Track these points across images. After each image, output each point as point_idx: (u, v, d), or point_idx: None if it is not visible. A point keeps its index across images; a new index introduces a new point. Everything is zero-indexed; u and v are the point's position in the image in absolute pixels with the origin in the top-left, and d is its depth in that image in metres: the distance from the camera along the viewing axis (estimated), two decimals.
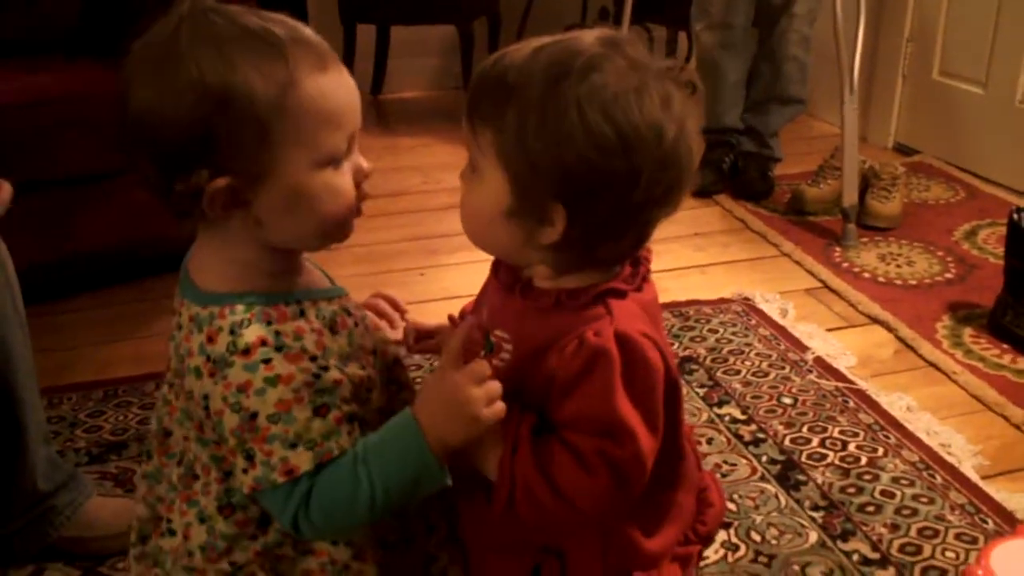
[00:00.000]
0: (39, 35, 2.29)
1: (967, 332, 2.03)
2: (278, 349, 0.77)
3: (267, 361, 0.76)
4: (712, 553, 1.39)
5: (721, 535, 1.42)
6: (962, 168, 2.97)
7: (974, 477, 1.57)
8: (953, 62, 2.99)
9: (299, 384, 0.77)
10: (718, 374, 1.86)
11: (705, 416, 1.73)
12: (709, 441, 1.65)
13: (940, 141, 3.07)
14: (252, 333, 0.77)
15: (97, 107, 1.99)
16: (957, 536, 1.43)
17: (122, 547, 1.36)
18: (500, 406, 0.78)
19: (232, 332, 0.77)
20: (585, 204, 0.77)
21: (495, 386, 0.78)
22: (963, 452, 1.64)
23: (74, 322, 2.06)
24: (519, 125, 0.75)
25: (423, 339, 0.99)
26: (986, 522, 1.46)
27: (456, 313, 1.00)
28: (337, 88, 0.79)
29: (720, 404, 1.76)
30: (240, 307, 0.79)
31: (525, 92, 0.75)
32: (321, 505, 0.77)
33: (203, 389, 0.78)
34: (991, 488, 1.54)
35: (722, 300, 2.14)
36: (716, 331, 2.02)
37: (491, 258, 0.89)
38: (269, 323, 0.78)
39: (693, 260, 2.37)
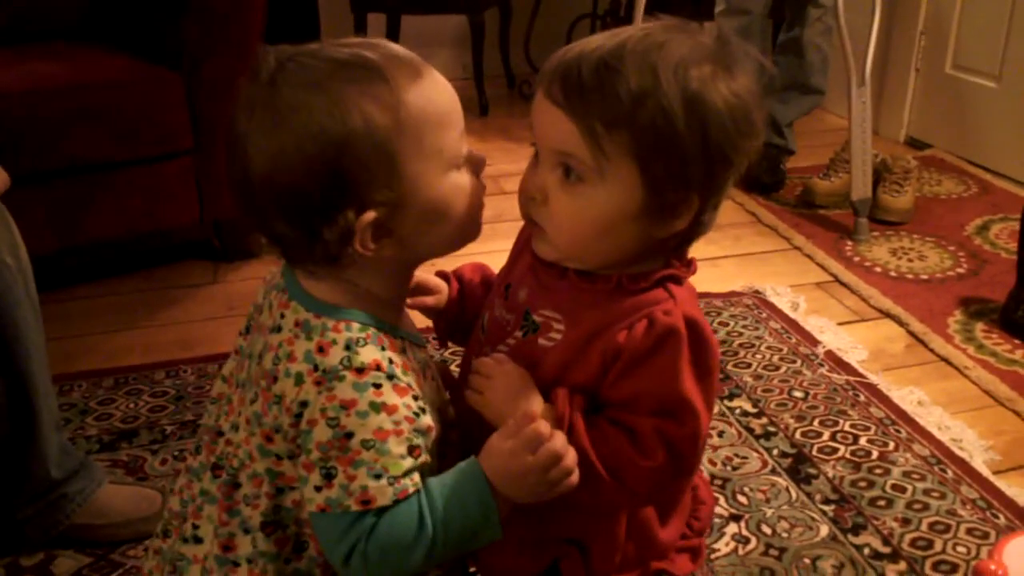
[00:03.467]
0: (44, 23, 2.30)
1: (979, 327, 2.02)
2: (390, 377, 0.76)
3: (378, 386, 0.75)
4: (723, 546, 1.39)
5: (732, 528, 1.42)
6: (975, 163, 2.95)
7: (985, 472, 1.56)
8: (967, 55, 2.98)
9: (401, 418, 0.76)
10: (729, 367, 1.86)
11: (716, 409, 1.72)
12: (720, 434, 1.65)
13: (953, 135, 3.05)
14: (369, 354, 0.76)
15: (104, 96, 2.00)
16: (969, 531, 1.43)
17: (133, 535, 1.37)
18: (564, 469, 0.76)
19: (348, 347, 0.76)
20: (714, 187, 0.79)
21: (553, 451, 0.75)
22: (974, 447, 1.63)
23: (82, 311, 2.06)
24: (665, 122, 0.74)
25: (419, 293, 0.96)
26: (997, 517, 1.45)
27: (449, 271, 0.99)
28: (438, 90, 0.79)
29: (731, 397, 1.76)
30: (356, 325, 0.78)
31: (660, 90, 0.74)
32: (381, 543, 0.76)
33: (303, 396, 0.76)
34: (1003, 483, 1.53)
35: (733, 293, 2.14)
36: (727, 324, 2.02)
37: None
38: (383, 348, 0.78)
39: (704, 253, 2.35)
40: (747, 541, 1.40)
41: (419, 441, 0.77)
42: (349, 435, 0.75)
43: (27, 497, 1.33)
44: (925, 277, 2.25)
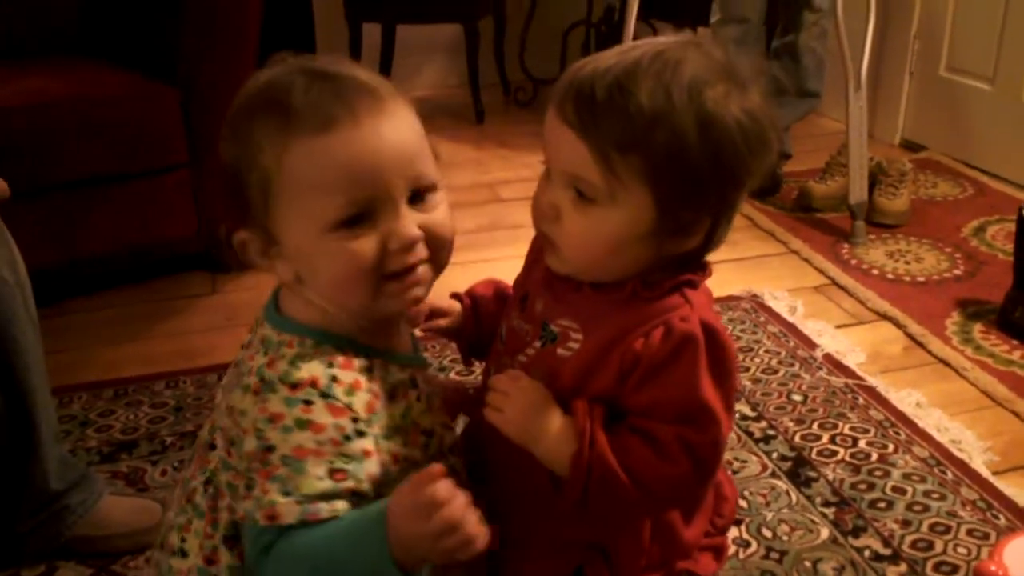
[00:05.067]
0: (41, 38, 2.30)
1: (977, 328, 2.02)
2: (324, 396, 0.75)
3: (308, 403, 0.75)
4: None
5: (732, 532, 1.42)
6: (970, 164, 2.96)
7: (985, 473, 1.57)
8: (960, 58, 2.99)
9: (326, 439, 0.75)
10: None
11: None
12: None
13: (948, 137, 3.06)
14: (307, 370, 0.76)
15: (101, 110, 2.01)
16: (969, 532, 1.43)
17: (134, 546, 1.37)
18: (461, 539, 0.70)
19: (291, 362, 0.77)
20: (727, 206, 0.79)
21: (449, 520, 0.70)
22: (974, 448, 1.63)
23: (81, 323, 2.06)
24: (678, 146, 0.74)
25: (433, 317, 0.97)
26: (998, 518, 1.45)
27: (462, 291, 0.99)
28: (337, 150, 0.75)
29: None
30: (310, 342, 0.79)
31: (673, 113, 0.74)
32: (276, 564, 0.75)
33: (243, 405, 0.77)
34: (1002, 484, 1.54)
35: (731, 297, 2.14)
36: (725, 328, 2.02)
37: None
38: (330, 365, 0.77)
39: None
40: (748, 545, 1.40)
41: (345, 465, 0.75)
42: (271, 448, 0.74)
43: (28, 509, 1.33)
44: (922, 279, 2.26)
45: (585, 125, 0.75)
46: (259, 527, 0.75)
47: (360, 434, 0.76)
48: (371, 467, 0.77)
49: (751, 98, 0.77)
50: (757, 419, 1.70)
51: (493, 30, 3.59)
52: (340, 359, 0.78)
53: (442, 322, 0.97)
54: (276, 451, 0.74)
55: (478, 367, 1.06)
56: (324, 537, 0.73)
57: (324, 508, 0.74)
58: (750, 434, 1.66)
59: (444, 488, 0.70)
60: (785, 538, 1.42)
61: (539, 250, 0.88)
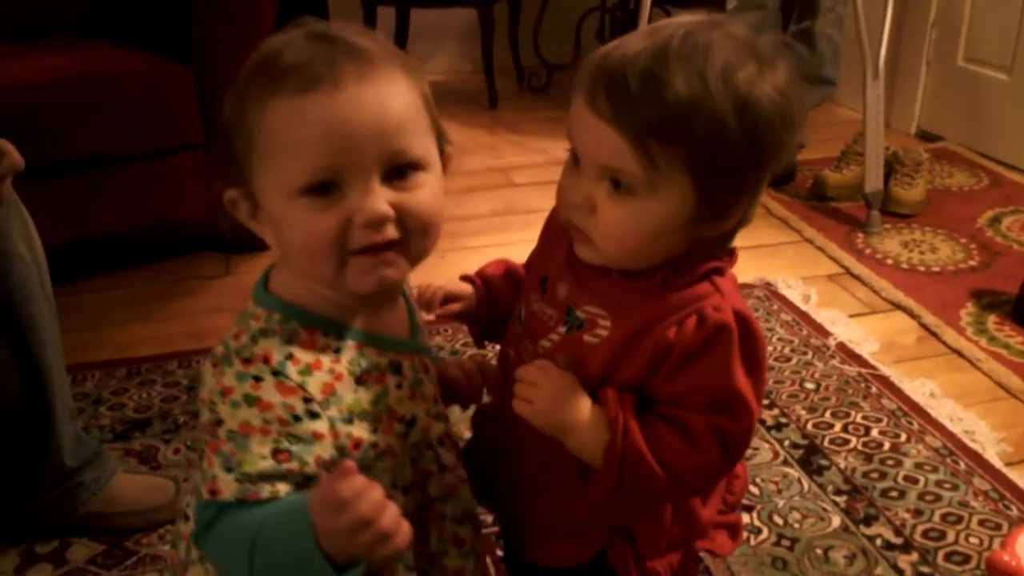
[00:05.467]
0: (54, 18, 2.30)
1: (991, 319, 2.01)
2: (275, 373, 0.74)
3: (258, 379, 0.73)
4: None
5: (743, 518, 1.42)
6: (986, 155, 2.94)
7: (998, 464, 1.56)
8: (978, 48, 2.96)
9: (273, 417, 0.73)
10: None
11: None
12: None
13: (964, 128, 3.04)
14: (264, 346, 0.75)
15: (115, 90, 2.01)
16: (981, 522, 1.42)
17: (147, 523, 1.38)
18: (376, 534, 0.67)
19: (252, 337, 0.76)
20: (761, 186, 0.79)
21: (358, 517, 0.66)
22: (987, 439, 1.63)
23: (94, 303, 2.06)
24: (718, 131, 0.73)
25: (448, 302, 0.96)
26: (1010, 508, 1.45)
27: (471, 272, 0.98)
28: (312, 112, 0.72)
29: None
30: (277, 317, 0.77)
31: (711, 99, 0.73)
32: (217, 540, 0.75)
33: (205, 374, 0.76)
34: (1015, 475, 1.53)
35: (744, 285, 2.13)
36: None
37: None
38: (290, 342, 0.76)
39: None
40: (759, 531, 1.40)
41: (291, 446, 0.73)
42: (219, 422, 0.74)
43: (42, 485, 1.34)
44: (937, 269, 2.25)
45: (620, 117, 0.73)
46: (204, 500, 0.74)
47: (313, 415, 0.74)
48: (321, 450, 0.74)
49: (779, 75, 0.77)
50: (770, 407, 1.70)
51: (508, 15, 3.58)
52: (303, 337, 0.76)
53: (455, 307, 0.95)
54: (224, 425, 0.73)
55: (491, 352, 1.05)
56: (260, 518, 0.72)
57: (265, 488, 0.73)
58: (762, 421, 1.66)
59: (349, 486, 0.66)
60: (796, 526, 1.42)
61: (556, 230, 0.87)
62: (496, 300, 0.97)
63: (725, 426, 0.79)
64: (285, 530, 0.70)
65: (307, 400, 0.74)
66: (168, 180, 2.11)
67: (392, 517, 0.67)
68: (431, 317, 0.96)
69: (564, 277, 0.85)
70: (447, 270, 0.99)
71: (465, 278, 0.98)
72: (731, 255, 0.84)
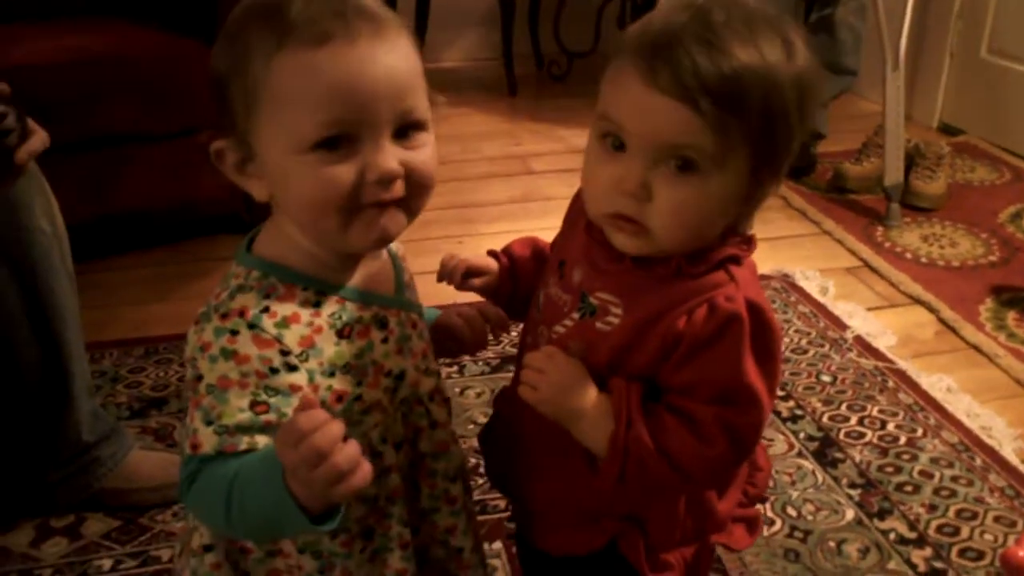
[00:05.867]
0: None
1: (1010, 315, 2.00)
2: (251, 327, 0.74)
3: (234, 332, 0.74)
4: None
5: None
6: (1009, 150, 2.91)
7: (1014, 460, 1.55)
8: (1003, 40, 2.93)
9: (250, 370, 0.73)
10: None
11: None
12: None
13: (987, 121, 3.01)
14: (241, 301, 0.75)
15: (137, 69, 2.01)
16: (996, 519, 1.42)
17: (162, 499, 1.39)
18: (332, 469, 0.66)
19: (231, 294, 0.76)
20: (785, 166, 0.79)
21: (314, 448, 0.65)
22: (1004, 435, 1.62)
23: (113, 281, 2.08)
24: (778, 101, 0.73)
25: (471, 276, 0.94)
26: None
27: (498, 248, 0.98)
28: (327, 66, 0.72)
29: None
30: (256, 274, 0.77)
31: (775, 72, 0.73)
32: (200, 493, 0.75)
33: (189, 334, 0.77)
34: None
35: (762, 276, 2.10)
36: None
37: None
38: (267, 296, 0.76)
39: None
40: (772, 523, 1.40)
41: (269, 398, 0.73)
42: (199, 378, 0.74)
43: (59, 460, 1.35)
44: (956, 264, 2.23)
45: (688, 91, 0.71)
46: (187, 455, 0.75)
47: (291, 368, 0.74)
48: (293, 401, 0.74)
49: (800, 42, 0.76)
50: (785, 398, 1.69)
51: (528, 2, 3.56)
52: (281, 291, 0.77)
53: (478, 281, 0.94)
54: (203, 380, 0.74)
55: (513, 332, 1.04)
56: (236, 467, 0.72)
57: (243, 440, 0.73)
58: (778, 413, 1.65)
59: (308, 418, 0.66)
60: (810, 518, 1.41)
61: (578, 213, 0.86)
62: (520, 277, 0.95)
63: (733, 419, 0.77)
64: (257, 476, 0.71)
65: (284, 352, 0.74)
66: (188, 160, 2.11)
67: (349, 454, 0.67)
68: (453, 289, 0.95)
69: (580, 262, 0.84)
70: (471, 251, 0.98)
71: (491, 253, 0.97)
72: (748, 243, 0.82)
